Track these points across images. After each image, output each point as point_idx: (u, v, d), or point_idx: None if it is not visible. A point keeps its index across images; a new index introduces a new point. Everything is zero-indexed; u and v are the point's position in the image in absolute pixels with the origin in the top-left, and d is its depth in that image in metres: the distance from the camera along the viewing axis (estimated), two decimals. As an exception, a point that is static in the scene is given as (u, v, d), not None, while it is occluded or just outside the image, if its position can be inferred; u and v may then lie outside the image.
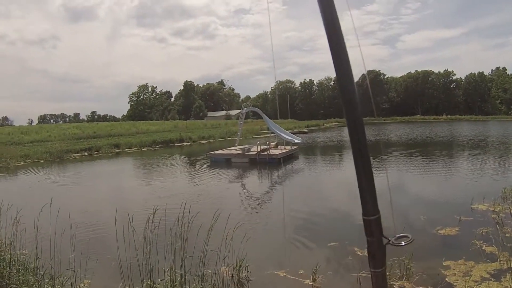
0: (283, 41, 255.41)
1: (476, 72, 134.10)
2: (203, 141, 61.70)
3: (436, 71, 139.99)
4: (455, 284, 8.53)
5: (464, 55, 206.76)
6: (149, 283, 6.98)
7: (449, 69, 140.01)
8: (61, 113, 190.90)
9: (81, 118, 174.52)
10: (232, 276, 9.41)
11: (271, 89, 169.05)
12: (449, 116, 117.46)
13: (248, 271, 9.69)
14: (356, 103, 2.09)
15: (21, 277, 7.70)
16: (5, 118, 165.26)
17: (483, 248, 10.44)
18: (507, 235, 10.99)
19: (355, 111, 2.05)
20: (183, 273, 7.07)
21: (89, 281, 8.90)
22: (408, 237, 2.08)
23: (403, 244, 2.04)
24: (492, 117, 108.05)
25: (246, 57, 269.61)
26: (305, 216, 15.34)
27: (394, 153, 37.38)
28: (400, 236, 2.08)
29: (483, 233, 11.58)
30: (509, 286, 7.59)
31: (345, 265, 10.23)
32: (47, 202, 8.39)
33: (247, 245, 9.40)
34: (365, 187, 2.12)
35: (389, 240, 2.08)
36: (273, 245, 12.28)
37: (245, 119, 44.73)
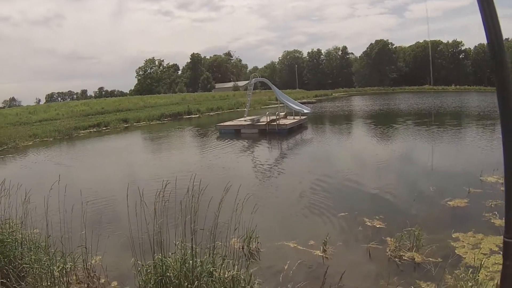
0: (290, 11, 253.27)
1: (485, 42, 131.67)
2: (211, 113, 61.59)
3: (444, 41, 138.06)
4: (464, 256, 8.49)
5: (474, 26, 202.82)
6: (160, 257, 7.01)
7: (458, 39, 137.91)
8: (69, 91, 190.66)
9: (88, 95, 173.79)
10: (243, 248, 9.48)
11: (279, 59, 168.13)
12: (458, 86, 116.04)
13: (258, 242, 9.76)
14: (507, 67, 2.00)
15: (33, 256, 7.75)
16: (13, 99, 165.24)
17: (492, 221, 10.36)
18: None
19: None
20: (193, 246, 7.09)
21: (100, 257, 8.99)
22: None
23: None
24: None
25: (253, 27, 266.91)
26: (314, 186, 15.32)
27: (407, 122, 37.20)
28: None
29: (492, 205, 11.45)
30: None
31: (355, 235, 10.24)
32: (56, 180, 8.42)
33: (257, 217, 9.40)
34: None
35: None
36: (283, 216, 12.30)
37: (253, 89, 44.50)
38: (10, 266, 7.59)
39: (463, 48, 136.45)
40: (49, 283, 7.57)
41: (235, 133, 33.70)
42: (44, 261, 7.69)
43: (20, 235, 8.31)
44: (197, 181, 7.29)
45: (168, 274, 6.91)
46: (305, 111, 37.88)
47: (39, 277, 7.52)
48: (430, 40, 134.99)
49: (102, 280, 8.20)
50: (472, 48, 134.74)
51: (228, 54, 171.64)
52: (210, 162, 21.95)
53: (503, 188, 11.89)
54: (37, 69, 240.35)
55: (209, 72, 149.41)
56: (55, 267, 7.75)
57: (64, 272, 7.88)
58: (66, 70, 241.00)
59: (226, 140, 30.26)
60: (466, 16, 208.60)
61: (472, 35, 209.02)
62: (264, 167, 20.23)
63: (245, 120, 36.32)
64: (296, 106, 38.11)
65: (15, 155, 28.55)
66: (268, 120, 33.44)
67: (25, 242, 8.26)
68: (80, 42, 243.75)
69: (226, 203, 7.65)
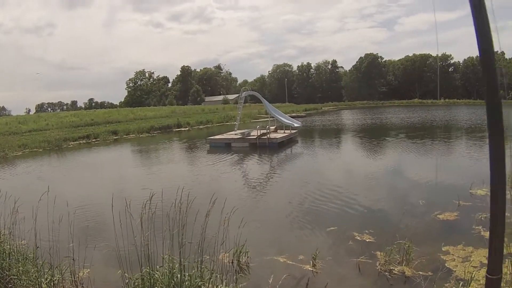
0: (281, 24, 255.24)
1: (474, 56, 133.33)
2: (201, 126, 61.51)
3: (434, 54, 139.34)
4: (454, 269, 8.51)
5: (463, 39, 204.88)
6: (147, 270, 6.97)
7: (447, 53, 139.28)
8: (59, 101, 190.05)
9: (78, 106, 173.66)
10: (232, 262, 9.43)
11: (269, 73, 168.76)
12: (447, 100, 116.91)
13: (248, 257, 9.72)
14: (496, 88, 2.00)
15: (21, 268, 7.68)
16: (3, 108, 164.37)
17: (481, 234, 10.39)
18: (507, 220, 10.97)
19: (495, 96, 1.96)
20: (181, 259, 7.07)
21: (88, 270, 8.92)
22: None
23: None
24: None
25: (243, 40, 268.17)
26: (304, 200, 15.31)
27: (400, 136, 37.52)
28: None
29: (482, 218, 11.49)
30: (508, 272, 7.57)
31: (345, 250, 10.23)
32: (45, 191, 8.36)
33: (247, 231, 9.38)
34: (496, 246, 2.05)
35: None
36: (273, 230, 12.27)
37: (243, 103, 44.60)
38: (-2, 277, 7.49)
39: (452, 61, 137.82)
40: (36, 295, 7.51)
41: (226, 147, 33.63)
42: (32, 272, 7.63)
43: (8, 246, 8.22)
44: (187, 194, 7.28)
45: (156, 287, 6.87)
46: (296, 125, 37.98)
47: (27, 289, 7.45)
48: (419, 54, 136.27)
49: (90, 293, 8.13)
50: (461, 62, 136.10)
51: (218, 67, 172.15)
52: (200, 175, 21.87)
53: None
54: (28, 78, 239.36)
55: (199, 85, 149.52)
56: (43, 279, 7.67)
57: (52, 284, 7.79)
58: (57, 80, 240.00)
59: (217, 154, 30.17)
60: (456, 30, 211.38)
61: (461, 48, 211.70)
62: (255, 181, 20.18)
63: (235, 134, 36.27)
64: (286, 120, 38.20)
65: (4, 165, 28.30)
66: (259, 133, 33.46)
67: (13, 253, 8.16)
68: (71, 52, 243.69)
69: (215, 217, 7.64)
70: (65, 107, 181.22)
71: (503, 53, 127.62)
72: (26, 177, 23.41)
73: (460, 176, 17.63)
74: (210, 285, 7.19)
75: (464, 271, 8.12)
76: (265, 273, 8.80)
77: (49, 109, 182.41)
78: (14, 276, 7.60)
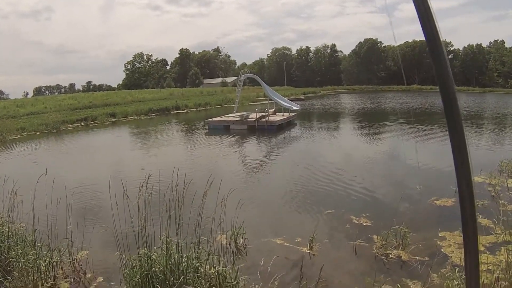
0: (280, 8, 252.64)
1: (474, 44, 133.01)
2: (199, 109, 61.36)
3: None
4: (450, 255, 8.57)
5: (463, 27, 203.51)
6: (145, 251, 6.99)
7: (447, 40, 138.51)
8: (57, 85, 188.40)
9: (76, 89, 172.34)
10: (230, 244, 9.48)
11: (268, 56, 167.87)
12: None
13: (245, 239, 9.77)
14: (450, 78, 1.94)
15: (19, 250, 7.70)
16: (0, 92, 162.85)
17: (478, 221, 10.40)
18: (502, 208, 10.97)
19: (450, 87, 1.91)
20: (179, 240, 7.09)
21: (87, 251, 8.96)
22: None
23: None
24: (489, 89, 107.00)
25: (242, 23, 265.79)
26: (302, 183, 15.37)
27: (400, 121, 37.48)
28: None
29: (478, 205, 11.41)
30: (504, 259, 7.61)
31: (342, 233, 10.29)
32: (43, 174, 8.35)
33: (245, 213, 9.42)
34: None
35: None
36: (270, 212, 12.31)
37: (242, 86, 44.47)
38: (-3, 261, 7.52)
39: (452, 48, 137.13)
40: (35, 278, 7.53)
41: (224, 129, 33.60)
42: (30, 255, 7.66)
43: (7, 229, 8.25)
44: (185, 176, 7.29)
45: (153, 269, 6.90)
46: (294, 108, 37.95)
47: (25, 271, 7.47)
48: (419, 40, 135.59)
49: (89, 275, 8.17)
50: (461, 49, 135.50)
51: (217, 50, 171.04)
52: (199, 157, 21.90)
53: (490, 188, 11.96)
54: (26, 62, 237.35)
55: (198, 67, 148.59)
56: (41, 261, 7.71)
57: (51, 266, 7.85)
58: (54, 64, 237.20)
59: (215, 136, 30.21)
60: (456, 17, 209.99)
61: (461, 36, 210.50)
62: (253, 163, 20.22)
63: (234, 116, 36.21)
64: (285, 103, 38.16)
65: (2, 148, 28.23)
66: (258, 116, 33.47)
67: (12, 236, 8.19)
68: (69, 35, 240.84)
69: (213, 199, 7.66)
70: (63, 90, 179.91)
71: (503, 42, 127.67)
72: (24, 160, 23.39)
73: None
74: (208, 266, 7.23)
75: (460, 257, 8.18)
76: (262, 255, 8.84)
77: (47, 92, 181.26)
78: (13, 258, 7.63)
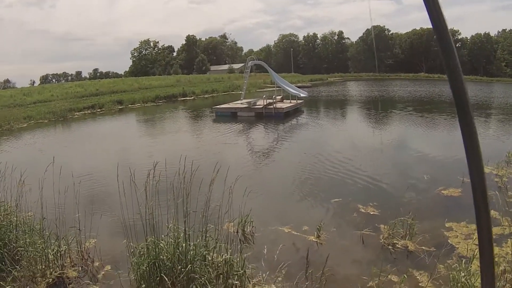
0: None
1: (482, 32, 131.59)
2: (206, 95, 61.24)
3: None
4: (457, 246, 8.55)
5: (472, 15, 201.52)
6: (152, 239, 7.02)
7: (455, 28, 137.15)
8: (63, 72, 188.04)
9: (83, 76, 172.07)
10: (237, 232, 9.51)
11: (275, 43, 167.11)
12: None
13: (253, 227, 9.80)
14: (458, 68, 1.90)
15: (27, 239, 7.74)
16: (7, 81, 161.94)
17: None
18: (509, 199, 10.90)
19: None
20: (186, 228, 7.11)
21: (95, 240, 9.01)
22: None
23: None
24: (497, 79, 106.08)
25: (249, 10, 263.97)
26: (309, 171, 15.36)
27: (408, 109, 37.19)
28: None
29: (486, 196, 11.46)
30: (510, 251, 7.58)
31: (349, 222, 10.29)
32: (51, 162, 8.38)
33: (252, 201, 9.46)
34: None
35: None
36: (278, 200, 12.33)
37: (249, 72, 44.36)
38: (5, 249, 7.56)
39: (459, 37, 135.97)
40: (43, 266, 7.59)
41: (232, 116, 33.64)
42: (38, 244, 7.69)
43: (15, 218, 8.28)
44: (192, 164, 7.29)
45: (161, 257, 6.93)
46: (302, 95, 37.86)
47: (33, 260, 7.52)
48: (427, 28, 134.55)
49: (96, 263, 8.22)
50: (468, 38, 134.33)
51: (224, 37, 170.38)
52: (206, 145, 21.94)
53: (497, 179, 11.89)
54: (32, 51, 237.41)
55: (204, 54, 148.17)
56: (49, 250, 7.75)
57: (59, 255, 7.88)
58: (60, 52, 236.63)
59: (223, 123, 30.28)
60: (466, 5, 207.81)
61: (470, 24, 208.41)
62: (260, 151, 20.26)
63: (241, 103, 36.14)
64: (293, 90, 38.05)
65: (9, 137, 28.33)
66: (265, 103, 33.43)
67: (20, 225, 8.24)
68: (74, 23, 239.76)
69: (220, 186, 7.67)
70: (69, 78, 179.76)
71: (511, 31, 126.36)
72: (31, 148, 23.48)
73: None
74: (215, 255, 7.26)
75: (467, 249, 8.17)
76: (270, 244, 8.87)
77: (54, 80, 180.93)
78: (21, 247, 7.67)
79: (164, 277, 6.66)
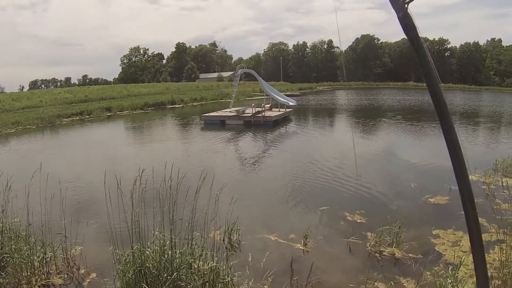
0: (278, 2, 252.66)
1: (471, 42, 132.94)
2: (195, 103, 61.25)
3: (431, 38, 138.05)
4: (444, 253, 8.61)
5: (462, 24, 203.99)
6: (138, 247, 6.99)
7: (444, 37, 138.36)
8: (52, 78, 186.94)
9: (72, 82, 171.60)
10: (224, 240, 9.48)
11: (264, 51, 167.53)
12: (442, 84, 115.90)
13: (239, 235, 9.77)
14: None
15: (13, 246, 7.67)
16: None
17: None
18: (496, 207, 10.97)
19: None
20: (172, 236, 7.10)
21: (81, 247, 8.94)
22: None
23: None
24: (485, 87, 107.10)
25: (240, 18, 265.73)
26: (296, 179, 15.38)
27: (397, 117, 37.45)
28: None
29: (473, 204, 11.52)
30: (497, 258, 7.63)
31: (336, 230, 10.31)
32: (38, 168, 8.33)
33: (239, 209, 9.43)
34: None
35: None
36: (265, 208, 12.32)
37: (239, 80, 44.45)
38: (-9, 256, 7.49)
39: (448, 46, 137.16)
40: (29, 273, 7.52)
41: (220, 124, 33.66)
42: (24, 250, 7.62)
43: (1, 224, 8.20)
44: (179, 172, 7.28)
45: (147, 265, 6.90)
46: (291, 103, 38.02)
47: (19, 267, 7.44)
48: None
49: (82, 271, 8.15)
50: (458, 47, 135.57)
51: (214, 45, 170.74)
52: (194, 152, 21.93)
53: (484, 187, 11.99)
54: (23, 55, 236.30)
55: (194, 62, 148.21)
56: (35, 257, 7.69)
57: (44, 262, 7.82)
58: (51, 56, 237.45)
59: (211, 131, 30.28)
60: (456, 13, 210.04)
61: (459, 33, 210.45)
62: (248, 159, 20.23)
63: (230, 111, 36.19)
64: (281, 99, 38.24)
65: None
66: (254, 111, 33.52)
67: (6, 231, 8.14)
68: (66, 28, 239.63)
69: (207, 194, 7.66)
70: (59, 83, 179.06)
71: (500, 40, 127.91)
72: (18, 154, 23.25)
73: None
74: (201, 263, 7.24)
75: (454, 256, 8.22)
76: (256, 251, 8.84)
77: (43, 85, 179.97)
78: (7, 254, 7.59)
79: (149, 285, 6.64)
